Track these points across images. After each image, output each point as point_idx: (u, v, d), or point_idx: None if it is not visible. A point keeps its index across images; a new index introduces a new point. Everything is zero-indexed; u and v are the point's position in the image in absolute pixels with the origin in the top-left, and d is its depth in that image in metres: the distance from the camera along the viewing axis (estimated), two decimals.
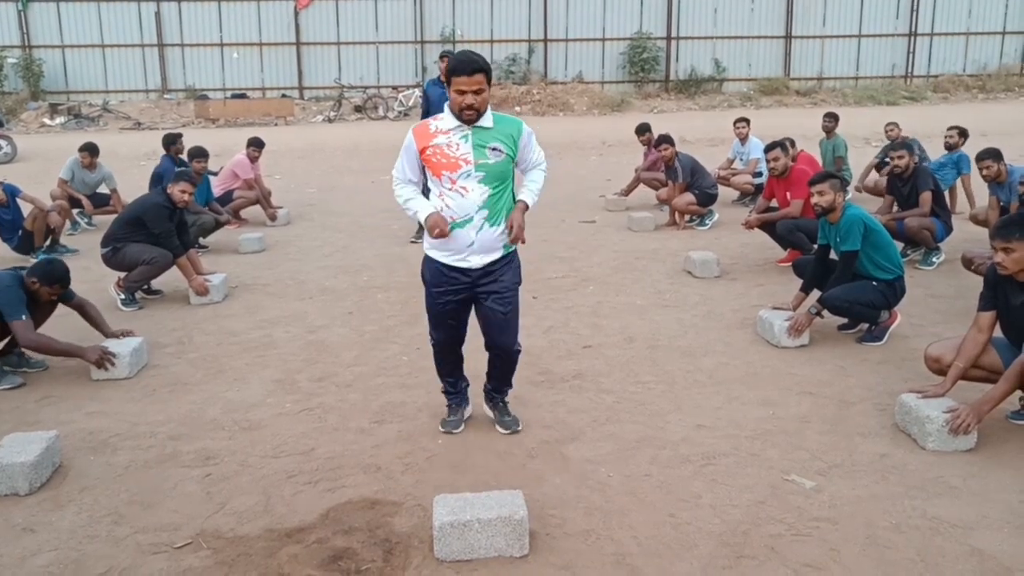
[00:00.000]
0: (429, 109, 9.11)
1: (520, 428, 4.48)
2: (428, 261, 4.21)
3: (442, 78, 9.17)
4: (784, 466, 4.11)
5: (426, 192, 4.20)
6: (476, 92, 3.83)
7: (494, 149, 3.96)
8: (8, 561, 3.44)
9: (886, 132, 11.55)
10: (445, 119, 4.00)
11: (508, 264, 4.18)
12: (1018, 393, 4.41)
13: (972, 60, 27.44)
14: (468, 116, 3.90)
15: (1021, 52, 27.72)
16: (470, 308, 4.27)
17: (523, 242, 4.13)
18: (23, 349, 5.57)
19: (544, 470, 4.12)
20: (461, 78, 3.83)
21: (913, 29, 27.03)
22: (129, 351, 5.52)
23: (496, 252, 4.09)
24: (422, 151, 4.01)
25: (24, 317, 5.27)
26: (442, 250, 4.11)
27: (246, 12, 25.08)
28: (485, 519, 3.33)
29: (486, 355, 4.47)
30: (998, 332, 4.49)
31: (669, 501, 3.80)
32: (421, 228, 9.70)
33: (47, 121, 22.69)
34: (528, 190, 4.21)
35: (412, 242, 9.38)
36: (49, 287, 5.51)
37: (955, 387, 4.45)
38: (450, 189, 3.97)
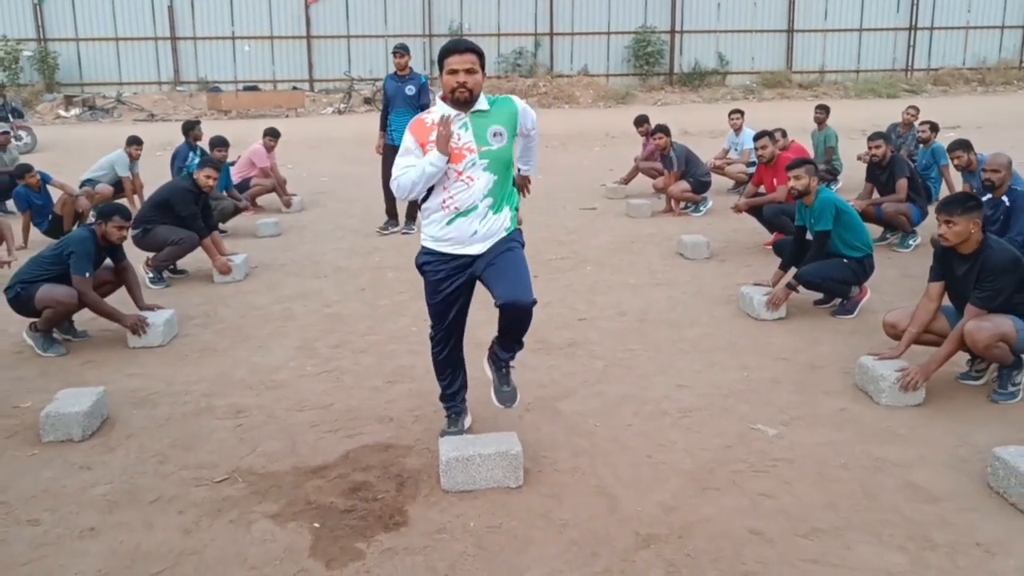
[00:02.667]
0: (388, 103, 9.53)
1: (516, 404, 4.17)
2: (425, 252, 4.04)
3: (398, 72, 9.48)
4: (753, 418, 4.61)
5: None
6: (468, 71, 3.77)
7: (496, 134, 3.87)
8: (71, 491, 3.97)
9: (905, 116, 11.57)
10: (437, 110, 3.93)
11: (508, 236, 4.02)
12: (965, 356, 4.90)
13: (972, 54, 27.93)
14: (461, 95, 3.80)
15: (1020, 46, 28.16)
16: (472, 293, 4.12)
17: (528, 192, 4.46)
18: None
19: (539, 421, 4.64)
20: (452, 57, 3.79)
21: (914, 23, 27.48)
22: (162, 321, 6.05)
23: (498, 236, 3.95)
24: (423, 146, 3.87)
25: (88, 275, 5.80)
26: (442, 241, 3.96)
27: (257, 5, 25.60)
28: (485, 454, 3.85)
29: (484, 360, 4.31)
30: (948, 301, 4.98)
31: (647, 446, 4.31)
32: (389, 219, 9.83)
33: (62, 112, 23.26)
34: (527, 164, 4.40)
35: (379, 232, 9.68)
36: (110, 220, 5.93)
37: (909, 351, 4.95)
38: (455, 181, 3.86)
